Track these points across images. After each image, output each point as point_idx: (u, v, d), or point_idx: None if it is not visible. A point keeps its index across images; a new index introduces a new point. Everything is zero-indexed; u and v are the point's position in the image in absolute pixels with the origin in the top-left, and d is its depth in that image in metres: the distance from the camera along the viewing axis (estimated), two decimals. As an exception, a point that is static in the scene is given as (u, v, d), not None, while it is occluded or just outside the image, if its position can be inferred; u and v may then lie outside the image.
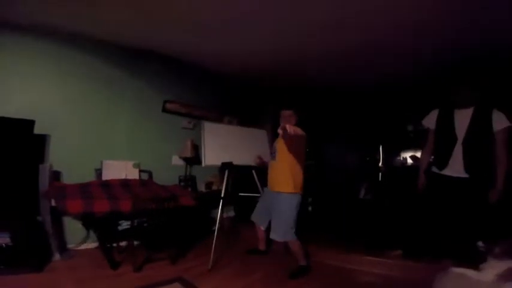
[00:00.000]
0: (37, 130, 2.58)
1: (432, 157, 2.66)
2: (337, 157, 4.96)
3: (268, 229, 2.77)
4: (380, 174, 4.59)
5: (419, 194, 2.67)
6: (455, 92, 2.41)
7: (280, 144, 2.68)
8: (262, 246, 3.08)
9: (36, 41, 2.82)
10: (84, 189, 2.57)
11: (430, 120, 2.61)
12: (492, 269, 1.48)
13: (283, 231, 2.54)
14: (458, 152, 2.36)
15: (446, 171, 2.44)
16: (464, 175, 2.34)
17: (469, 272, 1.52)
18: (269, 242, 3.08)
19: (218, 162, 3.02)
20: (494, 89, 2.98)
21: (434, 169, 2.56)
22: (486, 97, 2.41)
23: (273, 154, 2.80)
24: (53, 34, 2.89)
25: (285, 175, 2.61)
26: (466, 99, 2.36)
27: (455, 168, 2.37)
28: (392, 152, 4.83)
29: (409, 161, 4.60)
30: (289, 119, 2.68)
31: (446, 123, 2.47)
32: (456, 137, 2.37)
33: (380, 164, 4.79)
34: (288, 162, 2.63)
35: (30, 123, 2.53)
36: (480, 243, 2.26)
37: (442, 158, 2.47)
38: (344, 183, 4.40)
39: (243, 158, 3.21)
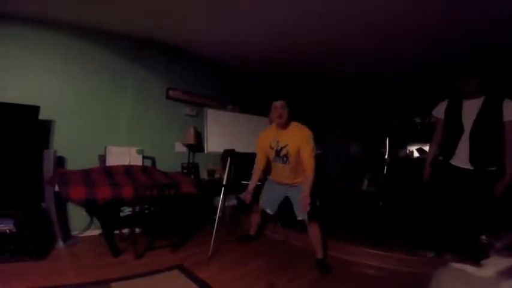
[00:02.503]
0: (42, 116, 2.60)
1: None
2: (341, 148, 4.90)
3: (276, 214, 2.79)
4: (385, 166, 4.52)
5: (425, 184, 2.63)
6: (465, 83, 2.33)
7: (293, 149, 2.43)
8: (253, 232, 3.09)
9: (42, 31, 2.83)
10: (86, 176, 2.58)
11: (439, 111, 2.56)
12: (493, 266, 1.44)
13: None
14: (464, 142, 2.32)
15: (453, 162, 2.40)
16: (469, 166, 2.30)
17: (469, 268, 1.49)
18: (260, 228, 3.14)
19: (220, 149, 3.00)
20: (504, 79, 2.88)
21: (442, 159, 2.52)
22: (496, 87, 2.32)
23: (281, 158, 2.51)
24: (57, 24, 2.89)
25: (302, 171, 2.46)
26: (476, 90, 2.29)
27: (461, 159, 2.34)
28: (399, 144, 4.75)
29: (416, 154, 4.53)
30: (282, 111, 2.43)
31: (454, 114, 2.41)
32: (463, 127, 2.32)
33: (386, 156, 4.72)
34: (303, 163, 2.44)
35: (35, 109, 2.54)
36: (483, 237, 2.22)
37: (449, 148, 2.43)
38: (347, 174, 4.36)
39: (245, 145, 3.17)
